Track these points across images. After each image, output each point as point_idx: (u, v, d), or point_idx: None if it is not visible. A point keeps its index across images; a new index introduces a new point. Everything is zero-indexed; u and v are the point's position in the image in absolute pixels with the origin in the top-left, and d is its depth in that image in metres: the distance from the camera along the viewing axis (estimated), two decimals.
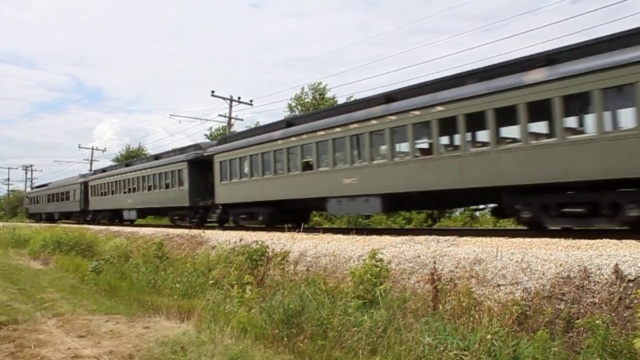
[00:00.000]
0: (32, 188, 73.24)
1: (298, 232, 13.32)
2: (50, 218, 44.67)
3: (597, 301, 5.96)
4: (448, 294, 6.97)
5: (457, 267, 7.71)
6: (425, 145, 12.68)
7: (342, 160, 14.89)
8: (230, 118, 35.80)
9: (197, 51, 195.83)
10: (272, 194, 17.42)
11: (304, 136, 16.05)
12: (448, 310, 6.62)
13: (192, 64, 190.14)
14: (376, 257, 7.43)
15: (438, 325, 5.95)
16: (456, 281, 7.37)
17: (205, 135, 46.55)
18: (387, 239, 10.68)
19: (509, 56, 34.24)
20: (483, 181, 11.05)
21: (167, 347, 6.38)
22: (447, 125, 12.05)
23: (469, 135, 11.95)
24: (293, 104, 40.31)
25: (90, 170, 54.32)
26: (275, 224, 17.46)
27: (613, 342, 5.23)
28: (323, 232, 13.47)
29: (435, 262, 7.64)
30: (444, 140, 12.83)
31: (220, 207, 20.79)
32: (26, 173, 77.25)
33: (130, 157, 50.95)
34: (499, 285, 6.92)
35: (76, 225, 28.91)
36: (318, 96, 39.79)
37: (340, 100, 35.77)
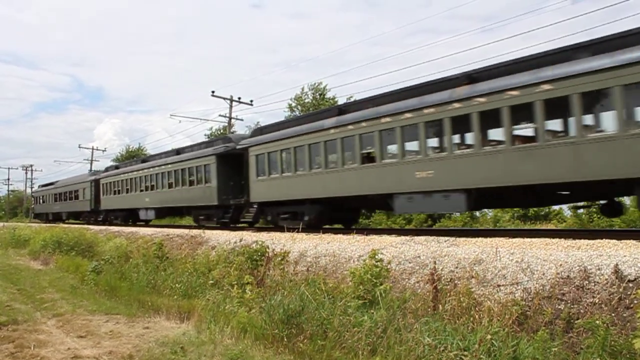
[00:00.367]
0: (31, 188, 73.32)
1: (298, 232, 13.32)
2: (57, 218, 43.01)
3: (597, 301, 5.96)
4: (448, 294, 6.97)
5: (457, 268, 7.71)
6: (527, 132, 10.97)
7: (413, 151, 13.01)
8: (230, 118, 35.82)
9: (198, 51, 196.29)
10: (322, 190, 15.36)
11: (364, 124, 14.03)
12: (448, 311, 6.62)
13: (192, 64, 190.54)
14: (376, 257, 7.44)
15: (438, 325, 5.95)
16: (456, 281, 7.37)
17: (206, 135, 46.50)
18: (387, 239, 10.68)
19: (508, 56, 34.13)
20: (613, 172, 9.31)
21: (167, 347, 6.38)
22: (556, 107, 10.37)
23: (588, 118, 10.23)
24: (293, 104, 40.32)
25: (91, 170, 54.31)
26: (324, 225, 16.11)
27: (613, 343, 5.23)
28: (323, 232, 13.42)
29: (435, 263, 7.64)
30: (552, 124, 11.05)
31: (256, 206, 18.68)
32: (26, 173, 77.29)
33: (131, 157, 50.78)
34: (499, 286, 6.92)
35: (76, 226, 28.73)
36: (318, 96, 39.81)
37: (341, 101, 35.76)
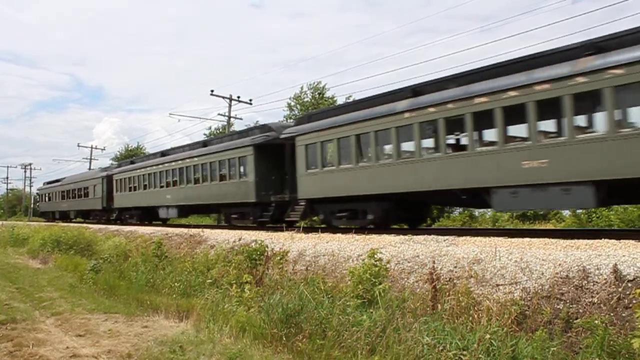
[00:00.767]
0: (30, 187, 73.28)
1: (297, 232, 13.31)
2: (64, 217, 40.49)
3: (595, 301, 5.96)
4: (447, 293, 6.97)
5: (456, 267, 7.71)
6: None
7: (519, 136, 11.11)
8: (229, 117, 35.83)
9: (197, 51, 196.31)
10: (393, 184, 13.20)
11: (450, 105, 11.85)
12: (447, 310, 6.62)
13: (192, 64, 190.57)
14: (375, 256, 7.44)
15: (437, 324, 5.95)
16: (455, 281, 7.37)
17: (205, 134, 46.46)
18: (386, 238, 10.68)
19: (508, 56, 34.12)
20: None
21: (166, 346, 6.37)
22: None
23: None
24: (292, 104, 40.32)
25: (90, 169, 54.26)
26: (391, 225, 14.33)
27: (612, 342, 5.23)
28: (322, 232, 13.40)
29: (434, 262, 7.65)
30: None
31: (304, 203, 16.17)
32: (25, 172, 77.25)
33: (130, 156, 50.62)
34: (497, 285, 6.92)
35: (76, 225, 28.52)
36: (317, 95, 39.79)
37: (340, 100, 35.68)
